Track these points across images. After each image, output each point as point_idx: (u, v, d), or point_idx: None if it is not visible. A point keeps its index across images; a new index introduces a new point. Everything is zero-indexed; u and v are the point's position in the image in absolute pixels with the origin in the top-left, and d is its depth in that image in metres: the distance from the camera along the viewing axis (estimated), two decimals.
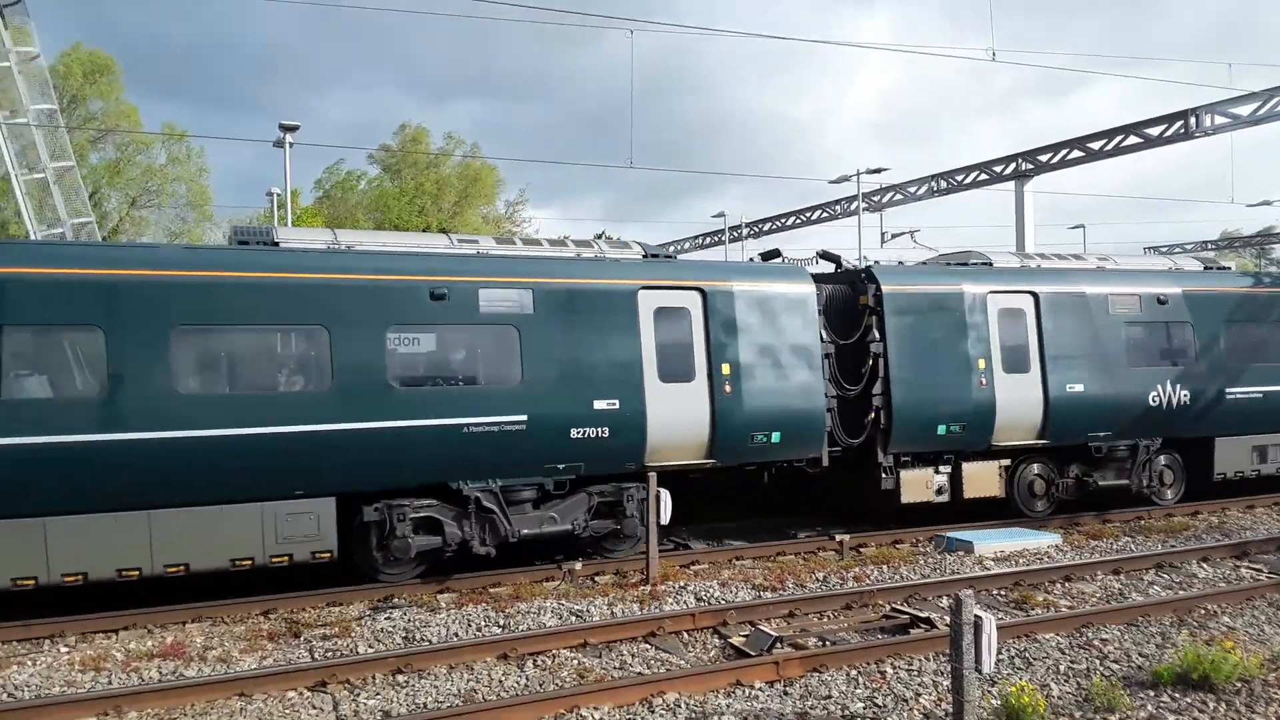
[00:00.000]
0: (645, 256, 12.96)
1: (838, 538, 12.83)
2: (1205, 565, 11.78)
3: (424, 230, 39.27)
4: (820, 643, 9.02)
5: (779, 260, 14.36)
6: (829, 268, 14.89)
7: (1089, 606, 9.97)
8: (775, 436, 12.66)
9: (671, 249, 46.70)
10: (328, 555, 10.65)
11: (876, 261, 15.76)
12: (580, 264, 12.24)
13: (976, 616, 6.77)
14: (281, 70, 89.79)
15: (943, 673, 7.91)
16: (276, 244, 11.28)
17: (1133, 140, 27.42)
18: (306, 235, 11.97)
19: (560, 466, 11.53)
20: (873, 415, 13.43)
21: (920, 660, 8.41)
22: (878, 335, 13.53)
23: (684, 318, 12.44)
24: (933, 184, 34.28)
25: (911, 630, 9.30)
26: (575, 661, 8.58)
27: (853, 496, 14.47)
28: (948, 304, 13.97)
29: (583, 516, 11.85)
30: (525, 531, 11.47)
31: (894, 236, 34.76)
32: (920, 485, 13.83)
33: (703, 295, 12.57)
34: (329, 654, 8.84)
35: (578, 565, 11.50)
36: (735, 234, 42.43)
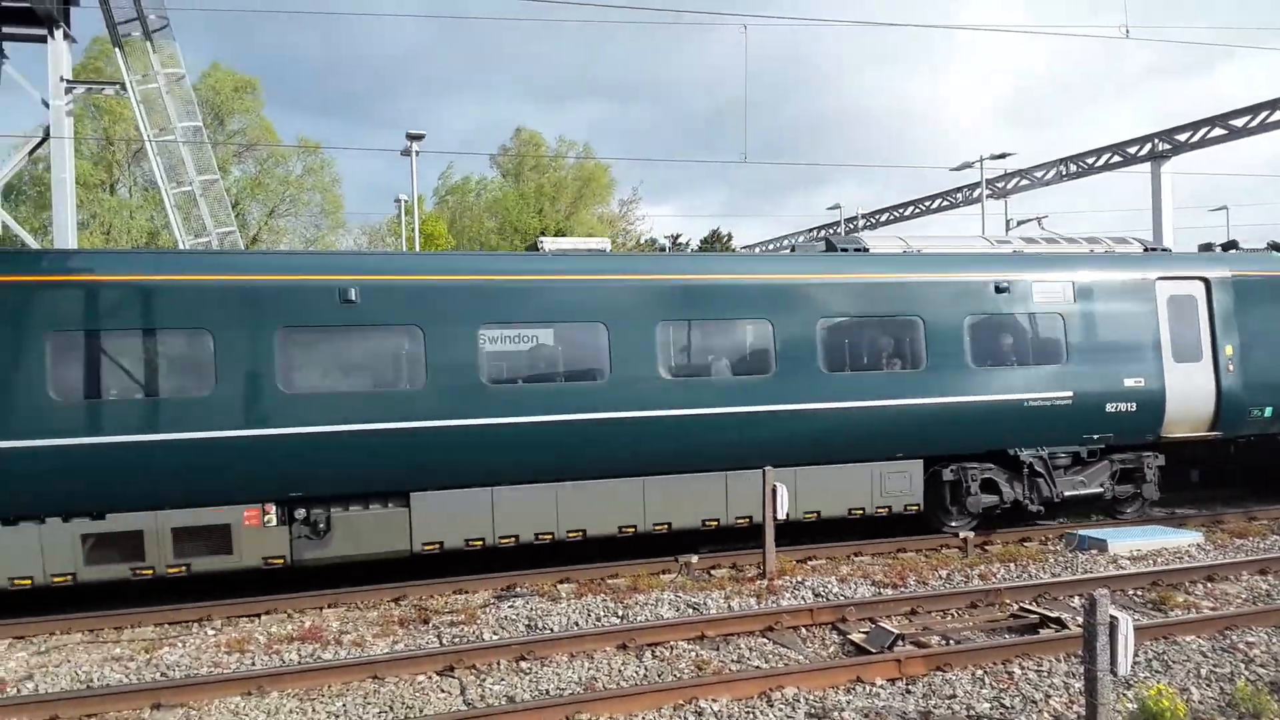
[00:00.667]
0: (1145, 250, 14.62)
1: (962, 534, 12.51)
2: None
3: (541, 232, 40.09)
4: (944, 641, 8.83)
5: (1265, 249, 15.37)
6: None
7: (1233, 608, 9.46)
8: (1269, 411, 14.28)
9: (787, 242, 46.38)
10: (916, 508, 12.88)
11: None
12: (1108, 259, 14.20)
13: (1112, 616, 6.51)
14: (405, 81, 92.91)
15: (1074, 674, 7.65)
16: (867, 249, 13.47)
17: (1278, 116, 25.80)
18: (883, 242, 13.88)
19: (1094, 436, 13.50)
20: None
21: (1051, 661, 8.15)
22: None
23: (1191, 304, 14.10)
24: (1061, 168, 33.00)
25: (1041, 630, 9.01)
26: (693, 653, 8.65)
27: None
28: None
29: (1108, 481, 13.70)
30: (1067, 493, 13.44)
31: (1020, 224, 33.50)
32: None
33: (1206, 284, 14.17)
34: (456, 640, 9.17)
35: (694, 558, 11.57)
36: (851, 225, 41.75)
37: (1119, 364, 13.46)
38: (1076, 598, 9.85)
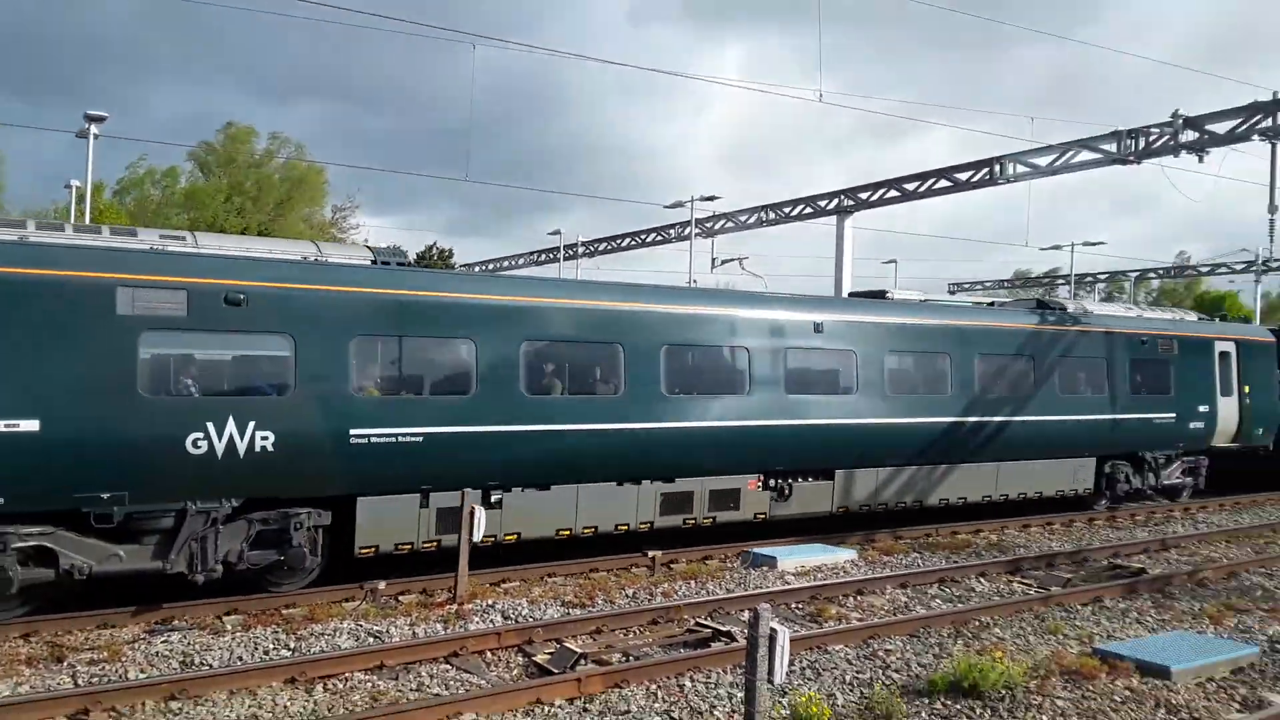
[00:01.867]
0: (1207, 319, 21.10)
1: (650, 554, 12.98)
2: (983, 580, 12.63)
3: (242, 232, 37.44)
4: (624, 658, 9.08)
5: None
6: None
7: (877, 619, 10.47)
8: (1260, 430, 20.62)
9: (506, 265, 46.50)
10: (1089, 491, 18.19)
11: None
12: (1191, 324, 20.87)
13: (772, 629, 6.98)
14: (109, 60, 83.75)
15: (738, 685, 8.09)
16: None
17: (944, 183, 29.33)
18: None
19: (1181, 444, 19.68)
20: None
21: (719, 673, 8.60)
22: None
23: (1228, 359, 20.22)
24: (762, 214, 35.52)
25: (712, 644, 9.50)
26: (370, 684, 8.29)
27: None
28: None
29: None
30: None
31: (724, 262, 35.73)
32: None
33: (1238, 345, 20.48)
34: (94, 680, 8.18)
35: (381, 584, 11.14)
36: (571, 252, 42.60)
37: (1198, 399, 19.48)
38: (746, 612, 10.49)
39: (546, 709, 7.69)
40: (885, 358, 15.24)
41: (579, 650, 9.05)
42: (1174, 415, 19.05)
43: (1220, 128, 21.09)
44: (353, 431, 10.81)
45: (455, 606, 10.68)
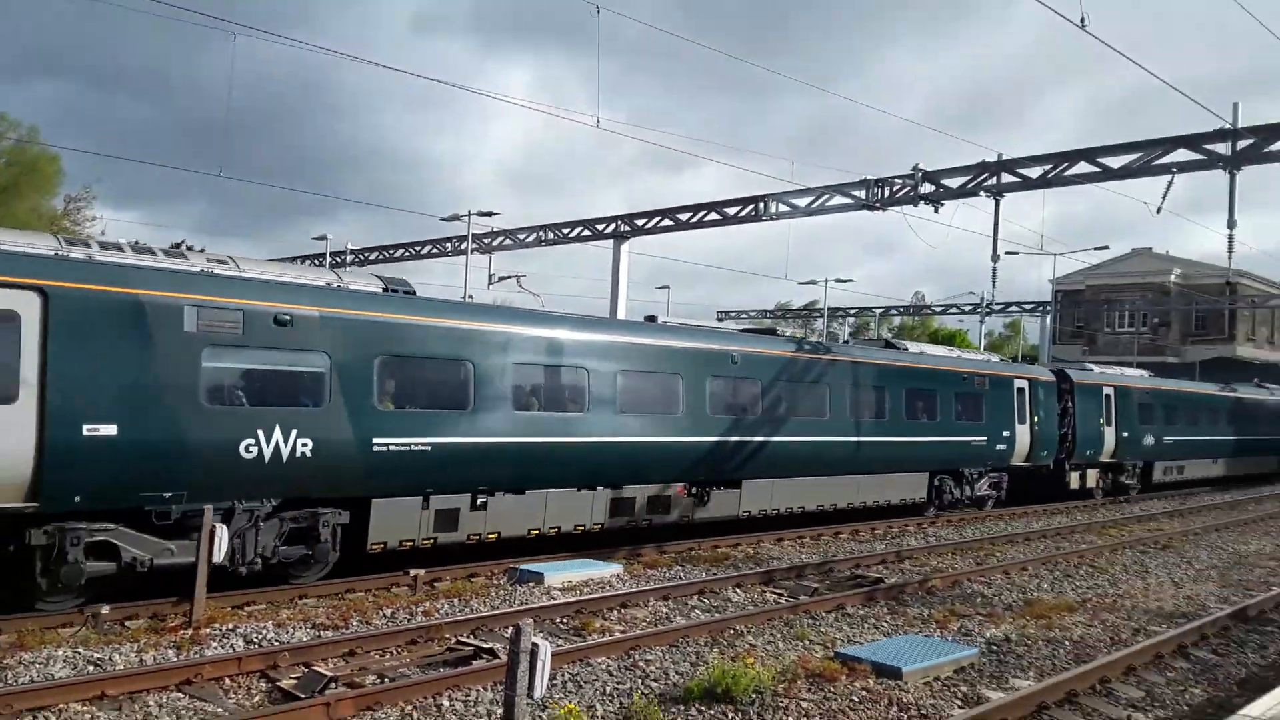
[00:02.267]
0: (1013, 360, 24.99)
1: (411, 573, 12.55)
2: (739, 590, 13.14)
3: None
4: (378, 680, 8.68)
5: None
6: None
7: (639, 630, 10.62)
8: (1045, 453, 25.02)
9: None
10: (922, 499, 21.89)
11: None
12: (997, 364, 25.63)
13: (534, 644, 6.90)
14: None
15: (500, 701, 7.93)
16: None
17: (714, 216, 30.63)
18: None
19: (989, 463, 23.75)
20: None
21: (479, 690, 8.40)
22: (1071, 405, 26.27)
23: (1024, 395, 24.22)
24: (540, 234, 35.63)
25: (474, 662, 9.28)
26: (89, 716, 7.46)
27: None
28: (1092, 391, 27.15)
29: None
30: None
31: (501, 279, 35.50)
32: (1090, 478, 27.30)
33: (1031, 383, 24.70)
34: None
35: (105, 608, 10.08)
36: (338, 259, 40.85)
37: (1002, 426, 23.35)
38: (510, 629, 10.34)
39: None
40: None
41: (329, 674, 8.57)
42: (985, 438, 22.94)
43: (953, 182, 23.35)
44: (375, 440, 12.11)
45: (190, 631, 9.84)
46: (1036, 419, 24.62)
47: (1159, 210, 20.60)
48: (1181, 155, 19.87)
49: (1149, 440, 29.35)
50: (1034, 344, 71.71)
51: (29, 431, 9.60)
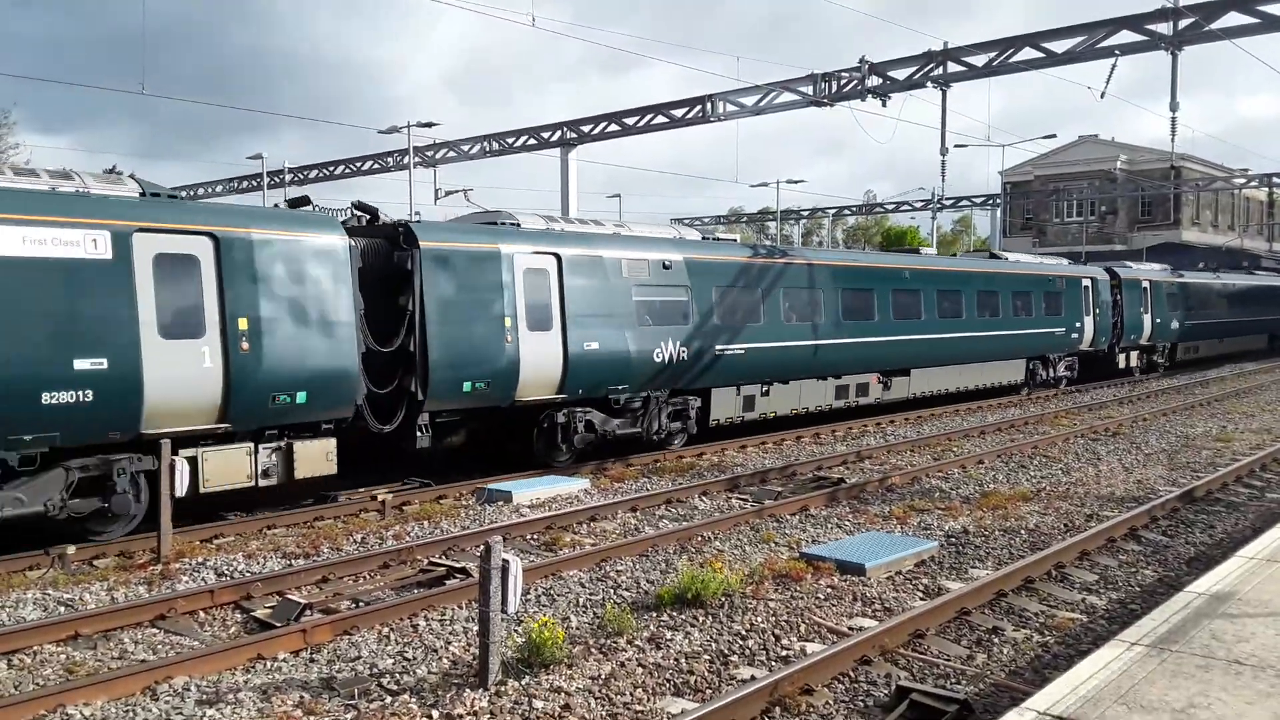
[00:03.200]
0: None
1: (379, 496, 12.58)
2: (705, 498, 13.38)
3: None
4: (353, 605, 8.77)
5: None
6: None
7: (608, 543, 10.80)
8: (1103, 339, 29.88)
9: (201, 192, 42.63)
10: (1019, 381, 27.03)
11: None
12: (1068, 268, 30.09)
13: (504, 560, 6.99)
14: None
15: (474, 619, 8.06)
16: None
17: (661, 119, 30.11)
18: None
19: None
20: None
21: (454, 609, 8.53)
22: (1119, 298, 30.69)
23: (1088, 291, 29.07)
24: (485, 144, 34.87)
25: (447, 582, 9.39)
26: (63, 656, 7.47)
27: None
28: (1134, 286, 31.74)
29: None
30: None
31: (448, 194, 34.84)
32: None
33: (1092, 281, 29.12)
34: None
35: (71, 549, 10.01)
36: (277, 179, 39.75)
37: (1075, 319, 28.86)
38: (481, 546, 10.45)
39: (269, 664, 7.28)
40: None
41: (303, 601, 8.64)
42: (1064, 329, 27.91)
43: (900, 74, 23.12)
44: (716, 347, 17.29)
45: (160, 567, 9.82)
46: (1097, 311, 29.46)
47: (1103, 95, 20.68)
48: (1125, 37, 19.85)
49: (1175, 325, 34.93)
50: (984, 237, 72.32)
51: (558, 349, 14.76)
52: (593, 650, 7.48)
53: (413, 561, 10.14)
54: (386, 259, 13.29)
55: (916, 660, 7.25)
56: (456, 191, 37.98)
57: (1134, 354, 32.88)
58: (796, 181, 52.38)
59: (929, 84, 22.74)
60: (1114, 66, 20.18)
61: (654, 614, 8.33)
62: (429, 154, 36.26)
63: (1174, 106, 19.32)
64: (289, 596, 8.85)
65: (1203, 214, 69.78)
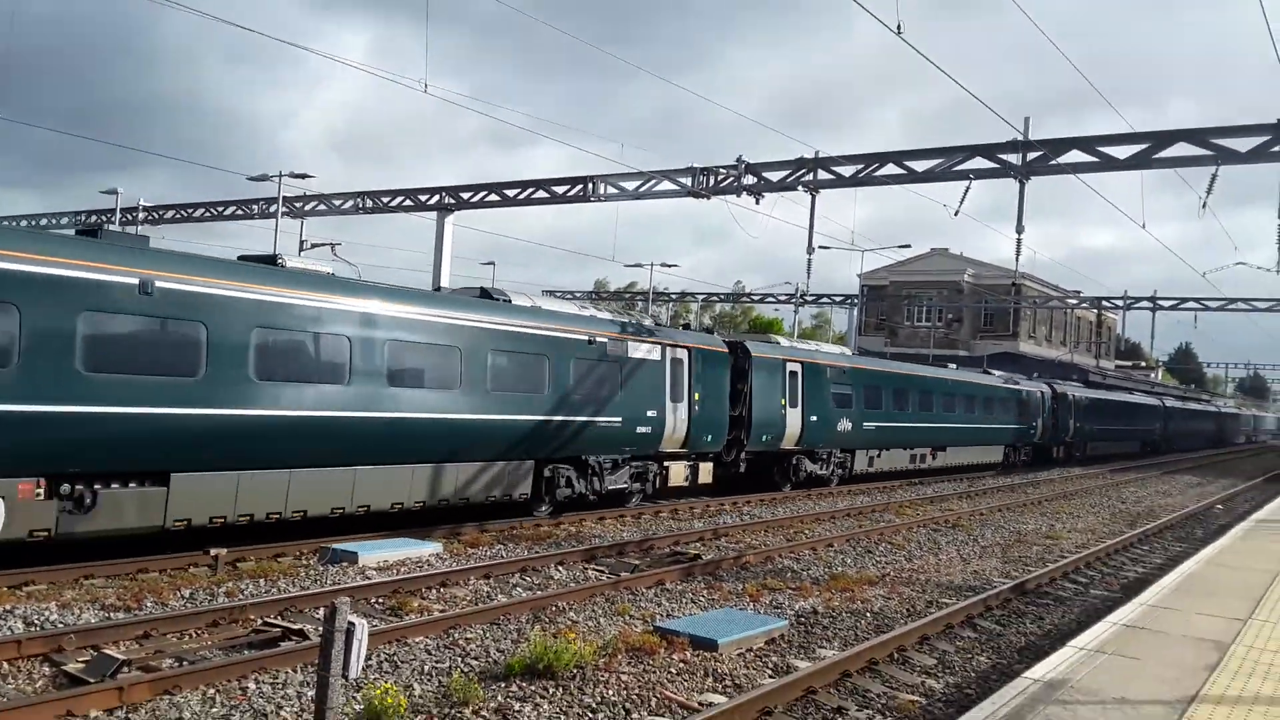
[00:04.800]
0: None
1: (212, 552, 11.83)
2: (561, 568, 13.16)
3: None
4: (176, 663, 8.14)
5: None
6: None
7: (459, 609, 10.44)
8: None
9: (47, 223, 40.19)
10: None
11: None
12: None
13: (350, 623, 6.63)
14: None
15: (309, 683, 7.62)
16: None
17: (541, 194, 30.40)
18: None
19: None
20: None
21: (288, 673, 8.04)
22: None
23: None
24: (359, 200, 34.30)
25: (282, 644, 8.85)
26: None
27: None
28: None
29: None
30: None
31: (314, 246, 33.95)
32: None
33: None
34: None
35: None
36: (129, 218, 37.84)
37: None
38: (321, 609, 9.93)
39: None
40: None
41: (121, 657, 7.98)
42: (1026, 427, 39.91)
43: (774, 176, 24.19)
44: (864, 424, 27.64)
45: None
46: (1044, 414, 42.03)
47: (956, 213, 22.17)
48: (979, 163, 21.44)
49: (1083, 426, 45.57)
50: (841, 333, 75.46)
51: (798, 418, 24.03)
52: (436, 719, 7.15)
53: (245, 621, 9.53)
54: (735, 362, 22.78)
55: None
56: (323, 244, 37.12)
57: (1062, 447, 44.04)
58: (670, 265, 53.59)
59: (800, 187, 23.86)
60: (967, 188, 21.69)
61: (503, 684, 8.06)
62: (298, 205, 35.35)
63: (1019, 229, 20.85)
64: (105, 651, 8.16)
65: (1038, 329, 75.12)
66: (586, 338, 17.87)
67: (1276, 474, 43.94)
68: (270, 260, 13.72)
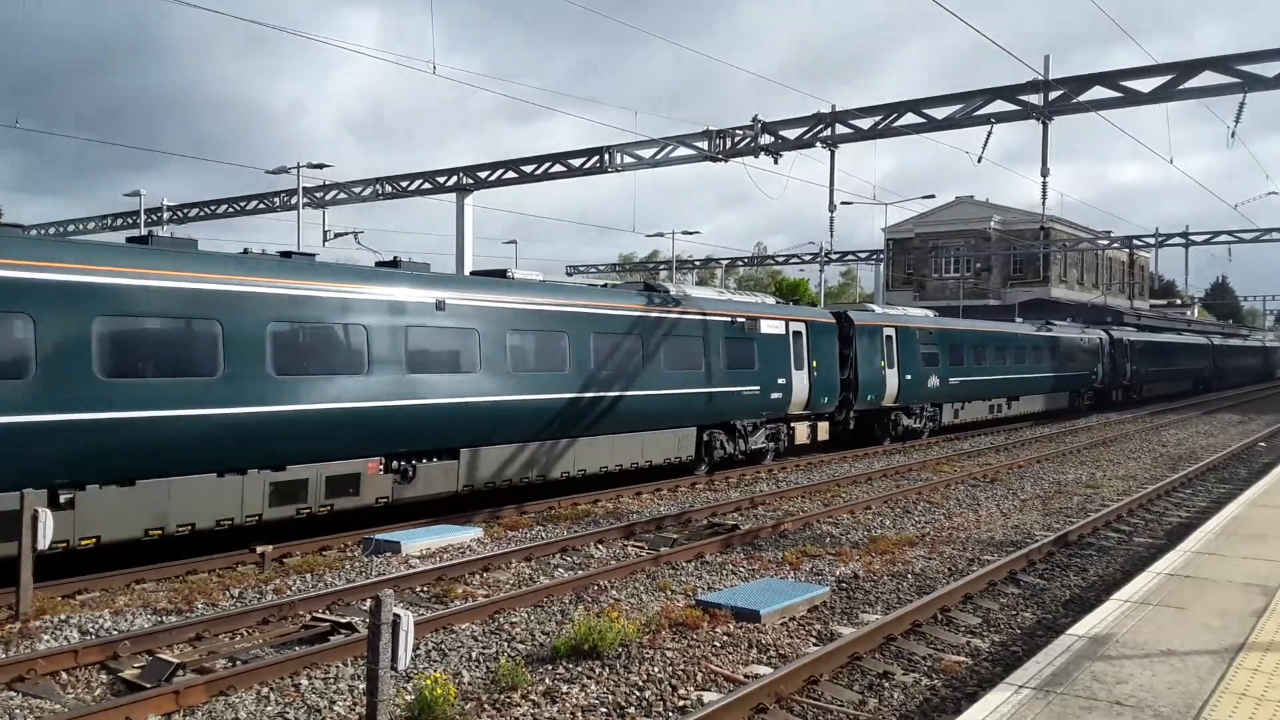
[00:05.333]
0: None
1: (258, 550, 12.03)
2: (601, 546, 13.27)
3: None
4: (230, 664, 8.31)
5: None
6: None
7: (502, 594, 10.56)
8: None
9: (73, 229, 40.72)
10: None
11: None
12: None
13: (395, 615, 6.72)
14: None
15: (360, 677, 7.74)
16: None
17: (558, 168, 30.27)
18: None
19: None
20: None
21: (339, 667, 8.18)
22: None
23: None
24: (378, 187, 34.36)
25: (331, 638, 9.00)
26: None
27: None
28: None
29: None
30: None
31: (337, 236, 34.16)
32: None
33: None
34: None
35: None
36: (155, 218, 38.22)
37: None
38: (368, 601, 10.07)
39: None
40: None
41: (175, 660, 8.14)
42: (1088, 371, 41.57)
43: (791, 134, 23.88)
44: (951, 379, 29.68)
45: (19, 625, 9.13)
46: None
47: (980, 160, 21.80)
48: (999, 106, 21.01)
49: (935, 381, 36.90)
50: (869, 292, 74.84)
51: (895, 378, 26.89)
52: (486, 707, 7.27)
53: (294, 617, 9.69)
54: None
55: (811, 707, 7.28)
56: (346, 234, 37.30)
57: (1121, 390, 45.21)
58: (691, 233, 53.48)
59: (818, 144, 23.55)
60: (989, 133, 21.31)
61: (549, 666, 8.16)
62: (318, 195, 35.50)
63: (1045, 172, 20.48)
64: (160, 656, 8.33)
65: (1069, 272, 73.97)
66: (730, 319, 20.81)
67: None
68: (500, 273, 17.36)
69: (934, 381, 28.97)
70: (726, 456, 20.82)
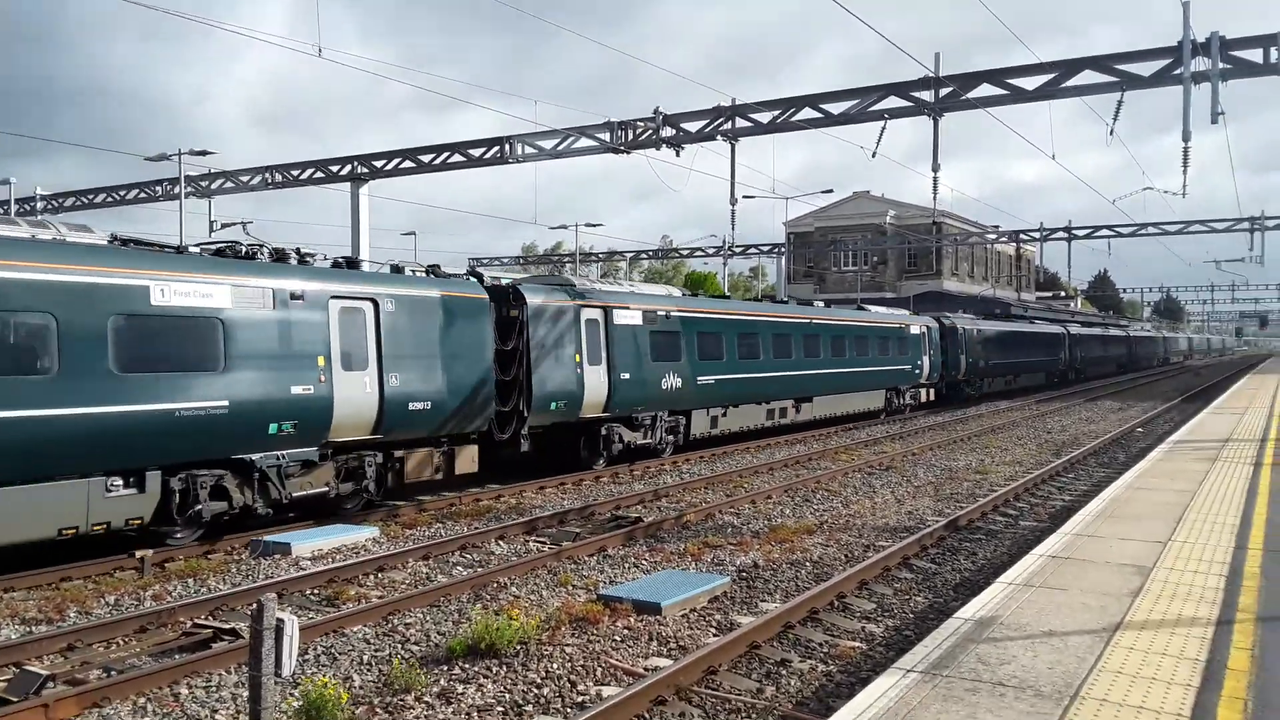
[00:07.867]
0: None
1: (138, 554, 11.46)
2: (502, 543, 13.07)
3: None
4: (104, 674, 7.88)
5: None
6: None
7: (397, 594, 10.29)
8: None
9: None
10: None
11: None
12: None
13: (278, 620, 6.45)
14: None
15: (244, 685, 7.43)
16: None
17: (458, 158, 29.78)
18: None
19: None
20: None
21: (221, 675, 7.85)
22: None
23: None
24: (267, 175, 33.27)
25: (214, 644, 8.62)
26: None
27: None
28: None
29: None
30: None
31: (224, 226, 32.89)
32: None
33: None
34: None
35: None
36: (26, 207, 36.18)
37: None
38: (253, 605, 9.69)
39: None
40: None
41: (45, 672, 7.68)
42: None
43: (692, 126, 24.05)
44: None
45: None
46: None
47: (874, 154, 22.34)
48: (893, 102, 21.55)
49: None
50: (773, 284, 76.07)
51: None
52: (378, 710, 7.06)
53: (174, 624, 9.26)
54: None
55: (709, 697, 7.29)
56: (234, 224, 35.96)
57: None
58: (595, 225, 53.27)
59: (719, 137, 23.75)
60: (883, 128, 21.85)
61: (445, 667, 7.97)
62: (203, 184, 34.13)
63: (935, 167, 21.03)
64: (28, 667, 7.85)
65: (960, 266, 76.55)
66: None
67: (1192, 394, 45.74)
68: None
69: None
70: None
